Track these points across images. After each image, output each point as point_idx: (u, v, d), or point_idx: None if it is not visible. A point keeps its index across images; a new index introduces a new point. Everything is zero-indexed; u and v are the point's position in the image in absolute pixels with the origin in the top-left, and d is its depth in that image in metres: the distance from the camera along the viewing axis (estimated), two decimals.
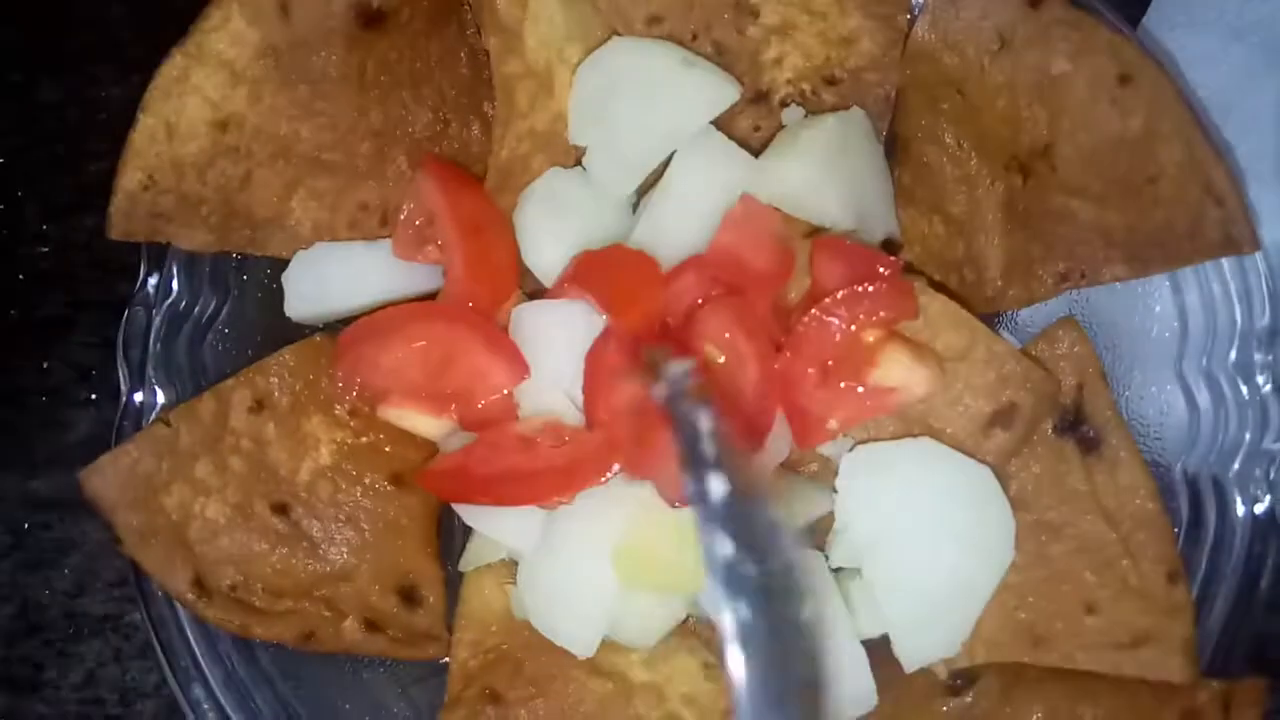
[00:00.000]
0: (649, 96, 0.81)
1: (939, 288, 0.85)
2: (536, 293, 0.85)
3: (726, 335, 0.74)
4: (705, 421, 0.60)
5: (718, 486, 0.57)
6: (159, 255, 0.80)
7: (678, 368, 0.64)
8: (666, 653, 0.83)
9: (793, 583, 0.55)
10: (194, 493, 0.75)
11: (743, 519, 0.56)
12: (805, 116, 0.85)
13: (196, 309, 0.80)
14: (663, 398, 0.63)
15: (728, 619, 0.53)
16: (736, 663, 0.51)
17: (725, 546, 0.55)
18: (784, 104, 0.86)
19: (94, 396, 1.01)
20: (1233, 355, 0.79)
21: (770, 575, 0.54)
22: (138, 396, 0.78)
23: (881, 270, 0.75)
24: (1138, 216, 0.76)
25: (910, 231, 0.88)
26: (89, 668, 0.98)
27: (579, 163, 0.85)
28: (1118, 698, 0.73)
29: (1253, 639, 0.92)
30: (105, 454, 0.73)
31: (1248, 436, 0.78)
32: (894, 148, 0.88)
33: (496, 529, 0.79)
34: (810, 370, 0.74)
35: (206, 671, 0.76)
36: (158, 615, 0.76)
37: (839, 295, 0.73)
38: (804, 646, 0.53)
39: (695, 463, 0.58)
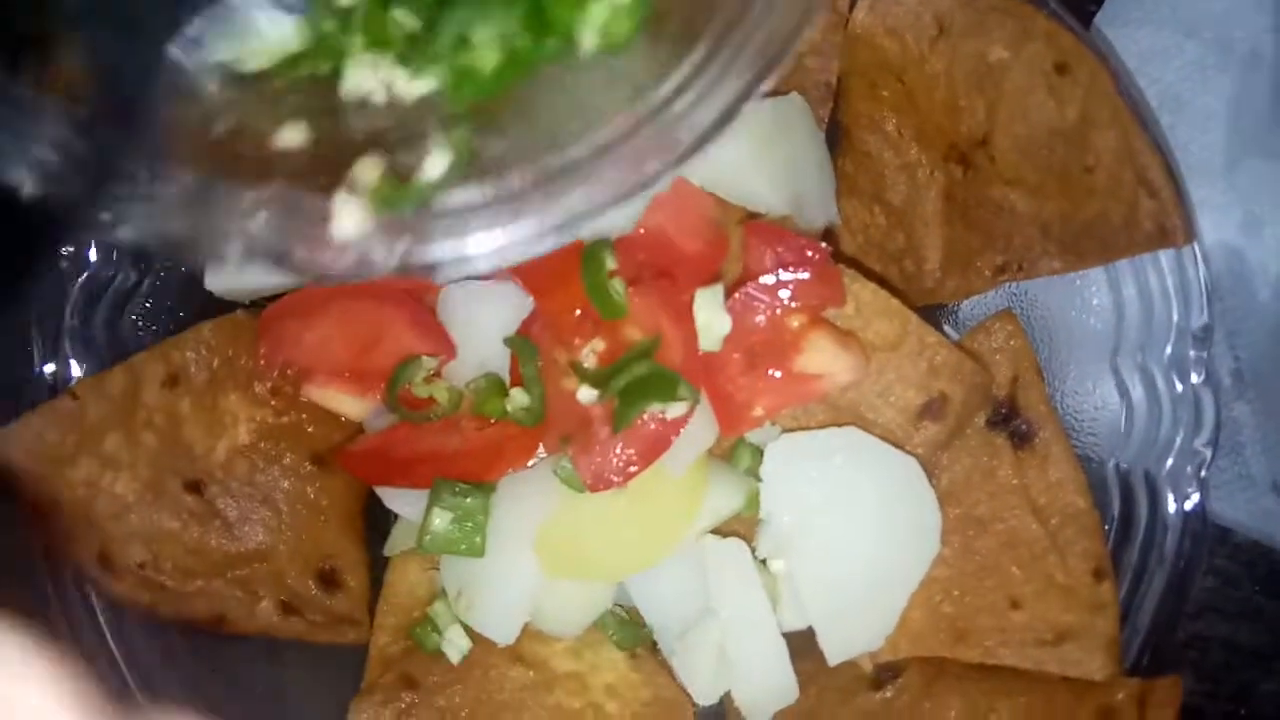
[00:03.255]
0: None
1: (879, 278, 0.84)
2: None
3: (651, 318, 0.73)
4: None
5: None
6: None
7: None
8: (592, 642, 0.81)
9: None
10: (102, 467, 0.74)
11: None
12: None
13: (115, 282, 0.79)
14: None
15: None
16: None
17: None
18: None
19: None
20: (1168, 351, 0.78)
21: None
22: (48, 368, 0.76)
23: (810, 255, 0.73)
24: (1073, 207, 0.76)
25: (853, 220, 0.87)
26: None
27: None
28: (1035, 695, 0.72)
29: (1197, 642, 0.92)
30: (7, 426, 0.72)
31: (1180, 434, 0.77)
32: (837, 135, 0.87)
33: (415, 513, 0.77)
34: (735, 356, 0.73)
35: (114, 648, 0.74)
36: (68, 595, 0.75)
37: (763, 281, 0.72)
38: None
39: None
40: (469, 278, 0.79)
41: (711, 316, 0.71)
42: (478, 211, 0.49)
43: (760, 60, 0.51)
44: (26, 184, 0.48)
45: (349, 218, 0.48)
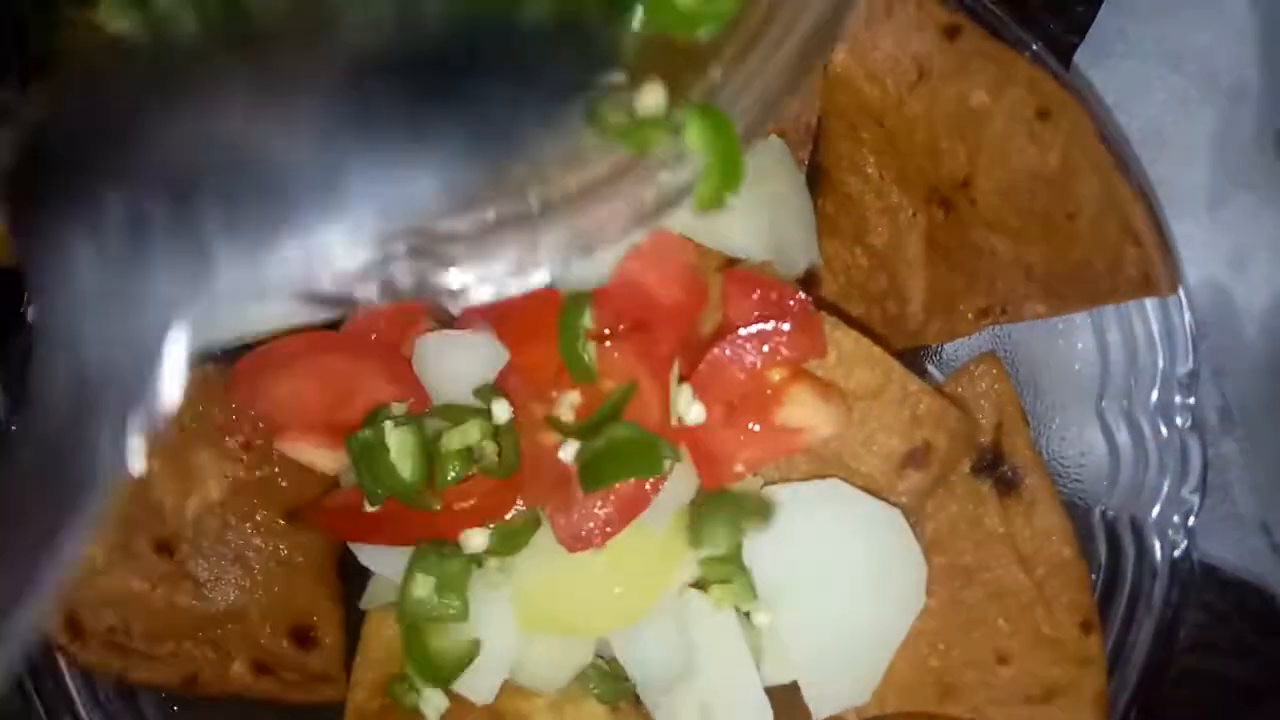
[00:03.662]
0: None
1: (861, 321, 0.83)
2: (449, 322, 0.82)
3: (628, 372, 0.72)
4: None
5: None
6: None
7: None
8: (573, 695, 0.80)
9: None
10: None
11: None
12: None
13: None
14: None
15: None
16: None
17: None
18: None
19: None
20: (1154, 397, 0.77)
21: None
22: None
23: (791, 305, 0.72)
24: (1056, 253, 0.75)
25: (835, 262, 0.86)
26: None
27: None
28: None
29: (1188, 679, 0.91)
30: None
31: (1167, 481, 0.76)
32: (817, 177, 0.86)
33: (392, 568, 0.76)
34: (714, 409, 0.72)
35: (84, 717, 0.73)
36: (34, 660, 0.73)
37: (742, 333, 0.71)
38: None
39: None
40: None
41: (684, 410, 0.70)
42: (497, 233, 0.47)
43: (756, 111, 0.49)
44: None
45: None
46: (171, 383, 0.37)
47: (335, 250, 0.41)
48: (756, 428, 0.72)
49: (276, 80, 0.41)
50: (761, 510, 0.74)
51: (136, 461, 0.37)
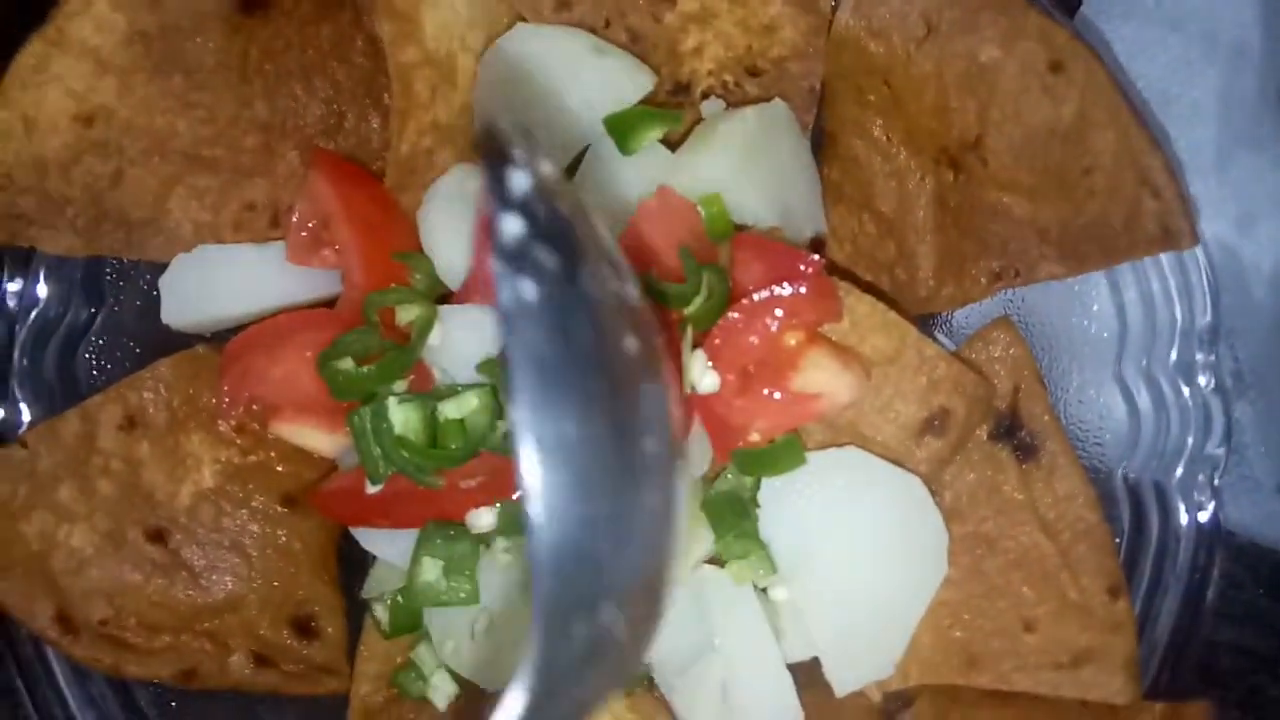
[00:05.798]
0: (558, 87, 0.76)
1: (870, 288, 0.81)
2: (445, 297, 0.79)
3: None
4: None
5: (520, 180, 0.43)
6: (24, 259, 0.73)
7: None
8: None
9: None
10: (57, 519, 0.69)
11: (553, 221, 0.43)
12: (726, 109, 0.80)
13: (67, 318, 0.74)
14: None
15: (505, 295, 0.40)
16: (512, 353, 0.40)
17: (515, 225, 0.42)
18: (705, 96, 0.82)
19: None
20: (1173, 355, 0.76)
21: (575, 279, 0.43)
22: None
23: (803, 269, 0.70)
24: (1072, 210, 0.73)
25: (840, 230, 0.84)
26: None
27: None
28: None
29: (1204, 647, 0.90)
30: None
31: (1190, 440, 0.75)
32: (822, 142, 0.83)
33: (395, 553, 0.73)
34: (729, 377, 0.69)
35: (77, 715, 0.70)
36: (25, 656, 0.70)
37: (757, 297, 0.68)
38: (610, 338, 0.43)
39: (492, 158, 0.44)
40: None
41: (697, 378, 0.68)
42: None
43: None
44: None
45: None
46: None
47: None
48: (774, 394, 0.69)
49: None
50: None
51: None
